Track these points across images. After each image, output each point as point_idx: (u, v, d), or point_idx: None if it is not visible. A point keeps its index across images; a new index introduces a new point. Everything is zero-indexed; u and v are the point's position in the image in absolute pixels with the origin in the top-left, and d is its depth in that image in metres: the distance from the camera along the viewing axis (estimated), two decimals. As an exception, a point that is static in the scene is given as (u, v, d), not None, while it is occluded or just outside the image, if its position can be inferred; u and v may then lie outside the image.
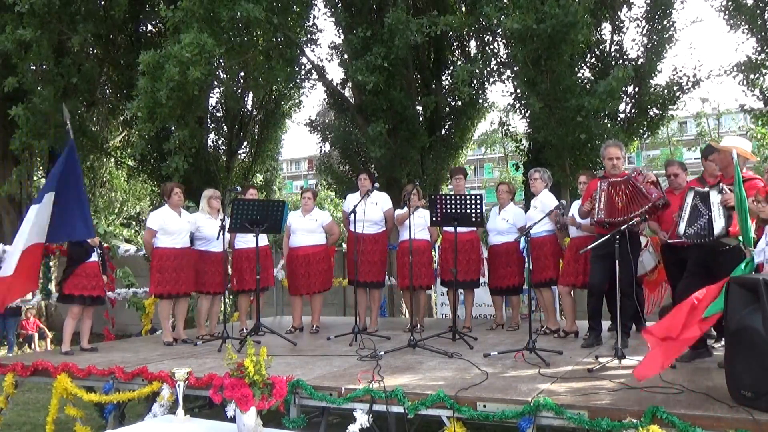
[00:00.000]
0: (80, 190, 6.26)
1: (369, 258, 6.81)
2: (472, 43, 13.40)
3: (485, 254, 7.28)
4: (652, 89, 11.30)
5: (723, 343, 3.59)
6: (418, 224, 6.64)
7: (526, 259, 5.66)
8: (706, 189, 4.61)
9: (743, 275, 3.62)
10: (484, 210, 6.23)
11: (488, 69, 11.80)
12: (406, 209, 6.78)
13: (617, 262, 4.77)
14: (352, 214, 6.40)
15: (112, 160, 16.03)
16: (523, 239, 5.46)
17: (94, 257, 6.07)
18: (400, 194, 8.30)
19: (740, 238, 3.99)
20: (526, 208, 7.43)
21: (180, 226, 6.42)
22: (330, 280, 7.38)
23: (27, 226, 5.87)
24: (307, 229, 7.03)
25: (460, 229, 6.14)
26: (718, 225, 4.43)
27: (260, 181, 17.20)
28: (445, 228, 6.66)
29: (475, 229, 6.61)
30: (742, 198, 3.80)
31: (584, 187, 6.07)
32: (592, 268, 5.58)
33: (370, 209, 6.66)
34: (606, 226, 5.21)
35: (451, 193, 6.72)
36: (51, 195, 6.00)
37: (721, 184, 4.47)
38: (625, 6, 11.52)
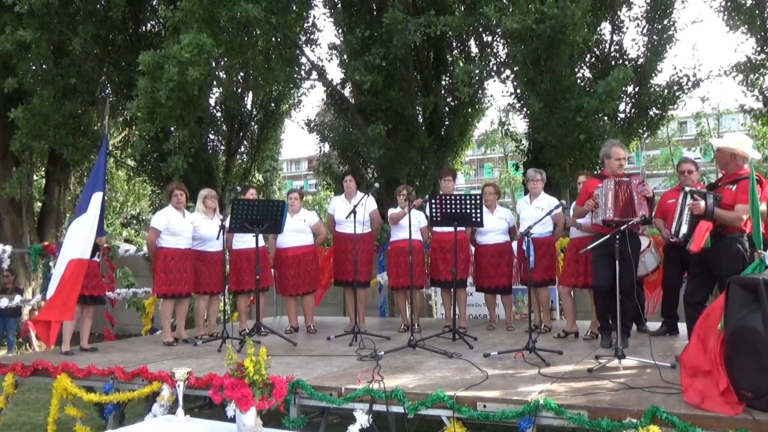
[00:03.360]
0: (104, 187, 6.33)
1: (357, 258, 6.78)
2: (472, 43, 13.39)
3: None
4: (652, 89, 11.29)
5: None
6: (413, 225, 6.62)
7: (529, 259, 5.62)
8: (688, 190, 4.77)
9: (743, 275, 3.61)
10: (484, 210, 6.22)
11: (488, 69, 11.78)
12: (400, 209, 6.77)
13: (618, 261, 4.76)
14: (351, 215, 6.38)
15: (112, 160, 15.98)
16: (526, 239, 5.44)
17: (95, 257, 6.06)
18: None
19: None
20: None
21: (184, 226, 6.43)
22: (318, 280, 7.38)
23: (69, 241, 5.76)
24: (295, 229, 7.01)
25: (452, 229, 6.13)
26: (682, 230, 4.71)
27: (259, 181, 17.17)
28: (435, 228, 6.65)
29: (464, 228, 6.61)
30: (754, 200, 3.79)
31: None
32: (594, 268, 5.52)
33: (358, 210, 6.65)
34: (612, 225, 5.15)
35: (452, 193, 6.71)
36: (99, 195, 5.95)
37: (697, 188, 4.61)
38: (625, 6, 11.49)
